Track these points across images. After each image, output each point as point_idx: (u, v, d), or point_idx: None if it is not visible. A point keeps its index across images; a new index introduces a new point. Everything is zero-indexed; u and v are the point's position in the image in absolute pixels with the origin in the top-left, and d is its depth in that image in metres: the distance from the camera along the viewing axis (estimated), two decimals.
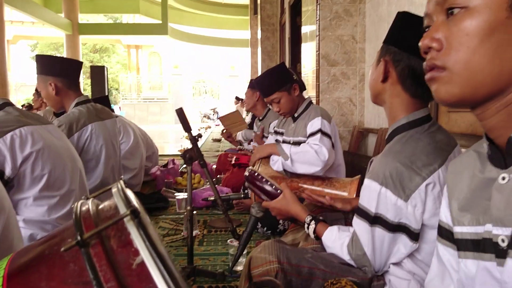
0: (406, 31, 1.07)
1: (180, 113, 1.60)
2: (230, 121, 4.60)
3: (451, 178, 0.74)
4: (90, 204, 0.58)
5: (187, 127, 1.63)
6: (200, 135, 1.71)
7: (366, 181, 1.09)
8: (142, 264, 0.45)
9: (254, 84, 2.46)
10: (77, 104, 2.33)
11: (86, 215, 0.54)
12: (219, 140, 8.31)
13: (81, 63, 2.43)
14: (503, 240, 0.57)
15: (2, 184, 1.09)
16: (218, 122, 17.60)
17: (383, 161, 1.06)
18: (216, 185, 2.93)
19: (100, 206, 0.59)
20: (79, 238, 0.46)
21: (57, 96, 2.30)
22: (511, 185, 0.58)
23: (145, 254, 0.46)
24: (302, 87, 2.44)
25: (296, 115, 2.35)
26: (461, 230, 0.68)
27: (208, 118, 20.30)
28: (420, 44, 0.62)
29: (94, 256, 0.46)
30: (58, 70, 2.27)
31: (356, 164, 3.06)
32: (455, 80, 0.58)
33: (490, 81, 0.56)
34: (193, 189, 3.24)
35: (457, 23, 0.58)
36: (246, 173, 1.60)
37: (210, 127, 12.77)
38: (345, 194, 2.00)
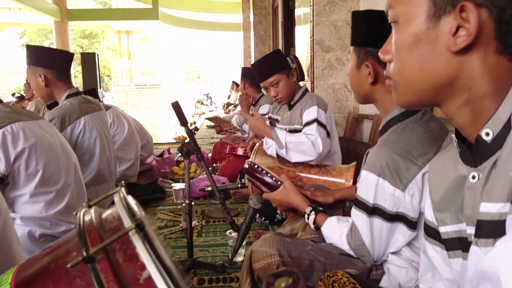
0: (378, 30, 1.04)
1: (176, 106, 1.59)
2: (216, 121, 4.99)
3: (431, 178, 0.74)
4: (93, 214, 0.58)
5: (183, 120, 1.62)
6: (196, 128, 1.70)
7: (363, 172, 1.10)
8: (149, 278, 0.45)
9: (252, 69, 2.42)
10: (68, 97, 2.29)
11: (90, 227, 0.54)
12: (214, 127, 8.29)
13: (72, 54, 2.39)
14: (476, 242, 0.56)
15: None
16: (212, 107, 17.55)
17: (379, 152, 1.07)
18: (212, 175, 2.93)
19: (104, 216, 0.58)
20: (85, 254, 0.46)
21: (47, 87, 2.26)
22: (481, 183, 0.58)
23: (151, 269, 0.46)
24: (301, 76, 2.42)
25: (292, 102, 2.34)
26: (446, 230, 0.69)
27: (202, 103, 20.17)
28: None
29: (101, 271, 0.46)
30: (48, 61, 2.23)
31: (351, 150, 3.07)
32: (398, 89, 0.63)
33: (429, 88, 0.60)
34: (190, 179, 3.24)
35: (393, 37, 0.63)
36: (246, 166, 1.60)
37: (203, 113, 12.68)
38: (342, 181, 2.02)
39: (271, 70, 2.26)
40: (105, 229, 0.54)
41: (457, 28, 0.56)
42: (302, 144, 2.04)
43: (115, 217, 0.56)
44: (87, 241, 0.49)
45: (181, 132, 7.39)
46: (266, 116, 3.20)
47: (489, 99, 0.57)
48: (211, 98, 20.98)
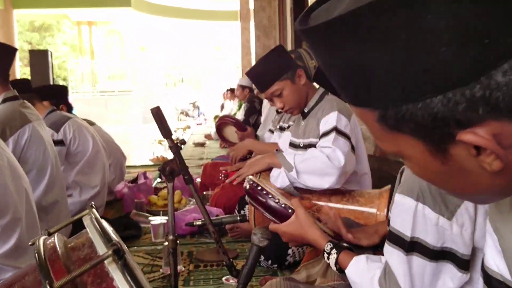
0: None
1: (157, 113, 1.62)
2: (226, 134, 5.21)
3: (499, 220, 0.71)
4: (56, 241, 0.60)
5: (166, 131, 1.65)
6: (183, 142, 1.73)
7: (397, 197, 1.11)
8: None
9: (248, 77, 2.49)
10: (4, 101, 2.33)
11: (54, 257, 0.56)
12: (202, 144, 8.33)
13: (15, 49, 2.44)
14: None
15: None
16: (200, 120, 17.64)
17: None
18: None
19: (70, 244, 0.61)
20: None
21: None
22: None
23: None
24: (312, 75, 2.46)
25: (306, 110, 2.38)
26: None
27: (187, 115, 20.32)
28: None
29: None
30: None
31: (384, 171, 3.09)
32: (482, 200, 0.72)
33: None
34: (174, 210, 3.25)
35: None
36: (246, 186, 1.62)
37: (189, 127, 12.75)
38: (373, 210, 2.03)
39: (269, 78, 2.31)
40: (72, 258, 0.56)
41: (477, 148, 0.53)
42: (315, 160, 2.06)
43: (85, 244, 0.58)
44: (50, 273, 0.50)
45: (160, 151, 7.41)
46: (277, 124, 3.26)
47: None
48: (198, 108, 21.15)
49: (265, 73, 2.33)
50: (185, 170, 1.70)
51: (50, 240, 0.62)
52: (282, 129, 3.09)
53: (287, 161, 2.11)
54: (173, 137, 1.70)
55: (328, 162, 2.03)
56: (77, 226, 0.67)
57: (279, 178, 2.12)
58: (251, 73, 2.42)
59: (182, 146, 1.73)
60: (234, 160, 3.15)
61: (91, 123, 3.85)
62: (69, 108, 3.87)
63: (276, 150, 2.55)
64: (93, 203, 0.66)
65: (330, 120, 2.16)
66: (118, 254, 0.51)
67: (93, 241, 0.57)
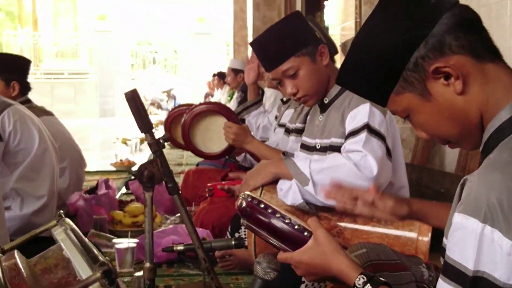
0: None
1: (133, 99, 1.61)
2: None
3: None
4: (18, 261, 0.59)
5: (145, 123, 1.64)
6: (167, 138, 1.71)
7: (457, 217, 1.10)
8: None
9: (253, 50, 2.47)
10: None
11: (17, 280, 0.55)
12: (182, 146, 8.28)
13: None
14: None
15: None
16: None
17: (484, 183, 1.07)
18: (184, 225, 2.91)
19: (38, 264, 0.60)
20: None
21: None
22: None
23: None
24: (333, 52, 2.46)
25: (326, 100, 2.36)
26: None
27: (159, 107, 20.33)
28: None
29: None
30: None
31: (425, 185, 3.10)
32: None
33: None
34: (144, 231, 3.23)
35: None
36: (242, 203, 1.59)
37: (162, 123, 12.74)
38: (412, 235, 2.03)
39: (283, 52, 2.29)
40: (42, 283, 0.55)
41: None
42: (339, 169, 2.04)
43: (59, 264, 0.57)
44: None
45: (125, 153, 7.39)
46: (284, 120, 3.22)
47: None
48: (174, 99, 21.05)
49: (278, 44, 2.31)
50: (169, 176, 1.69)
51: (10, 261, 0.61)
52: (284, 127, 3.06)
53: (300, 170, 2.09)
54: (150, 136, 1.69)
55: (357, 172, 2.02)
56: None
57: (289, 194, 2.10)
58: (258, 43, 2.40)
59: (165, 144, 1.71)
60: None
61: (48, 113, 3.83)
62: (25, 89, 3.88)
63: (283, 153, 2.53)
64: (61, 211, 0.65)
65: (360, 114, 2.15)
66: (109, 277, 0.51)
67: (70, 261, 0.56)
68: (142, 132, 1.66)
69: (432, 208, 1.62)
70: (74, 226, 0.62)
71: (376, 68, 1.24)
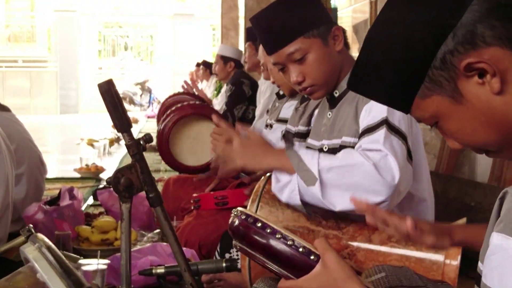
0: None
1: (109, 91, 1.60)
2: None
3: None
4: None
5: (123, 120, 1.63)
6: (149, 138, 1.70)
7: (496, 237, 1.11)
8: None
9: (253, 27, 2.45)
10: None
11: None
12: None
13: None
14: None
15: None
16: (152, 110, 17.59)
17: None
18: (167, 243, 2.90)
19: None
20: None
21: None
22: None
23: None
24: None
25: (336, 93, 2.36)
26: None
27: (132, 102, 20.37)
28: None
29: None
30: None
31: (453, 198, 3.11)
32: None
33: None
34: (118, 251, 3.21)
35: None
36: (235, 221, 1.58)
37: (136, 121, 12.79)
38: (439, 258, 2.03)
39: (290, 31, 2.28)
40: None
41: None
42: (354, 169, 2.03)
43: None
44: None
45: (91, 157, 7.39)
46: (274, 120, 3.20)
47: None
48: (150, 92, 21.12)
49: (285, 21, 2.29)
50: (150, 184, 1.68)
51: None
52: (293, 134, 3.04)
53: (306, 166, 2.06)
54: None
55: (376, 175, 1.99)
56: None
57: (286, 190, 2.09)
58: (260, 19, 2.38)
59: (146, 145, 1.71)
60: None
61: (4, 108, 3.82)
62: None
63: (284, 135, 2.52)
64: (30, 225, 0.63)
65: (377, 108, 2.13)
66: None
67: (48, 286, 0.54)
68: (119, 131, 1.65)
69: (480, 233, 1.59)
70: (50, 243, 0.59)
71: (396, 67, 1.19)
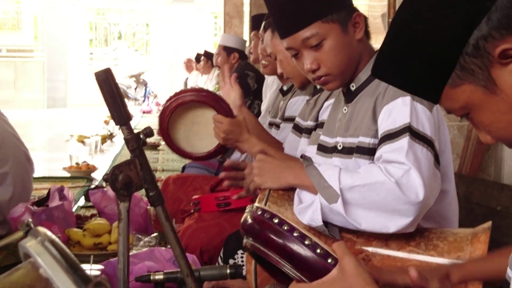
0: None
1: (106, 81, 1.61)
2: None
3: None
4: None
5: (121, 113, 1.65)
6: (149, 132, 1.71)
7: None
8: None
9: (268, 7, 2.44)
10: None
11: None
12: (155, 147, 8.33)
13: None
14: None
15: None
16: (148, 105, 17.56)
17: None
18: (166, 247, 2.90)
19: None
20: None
21: None
22: None
23: None
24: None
25: (353, 86, 2.36)
26: None
27: (126, 96, 20.30)
28: None
29: None
30: None
31: (477, 202, 3.09)
32: None
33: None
34: (112, 255, 3.22)
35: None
36: (248, 219, 1.59)
37: (132, 117, 12.77)
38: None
39: (308, 13, 2.27)
40: None
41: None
42: (376, 188, 2.02)
43: (35, 286, 0.56)
44: None
45: (82, 155, 7.39)
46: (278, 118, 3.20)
47: None
48: (145, 85, 21.08)
49: (302, 2, 2.29)
50: (150, 182, 1.68)
51: None
52: (300, 129, 3.04)
53: (327, 183, 2.06)
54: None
55: (399, 193, 1.98)
56: None
57: (309, 211, 2.08)
58: (272, 2, 2.39)
59: (146, 139, 1.72)
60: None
61: None
62: None
63: (302, 157, 2.51)
64: (29, 219, 0.64)
65: (398, 111, 2.12)
66: None
67: (51, 281, 0.54)
68: (117, 124, 1.67)
69: (493, 262, 1.60)
70: (54, 237, 0.60)
71: (425, 54, 1.19)
